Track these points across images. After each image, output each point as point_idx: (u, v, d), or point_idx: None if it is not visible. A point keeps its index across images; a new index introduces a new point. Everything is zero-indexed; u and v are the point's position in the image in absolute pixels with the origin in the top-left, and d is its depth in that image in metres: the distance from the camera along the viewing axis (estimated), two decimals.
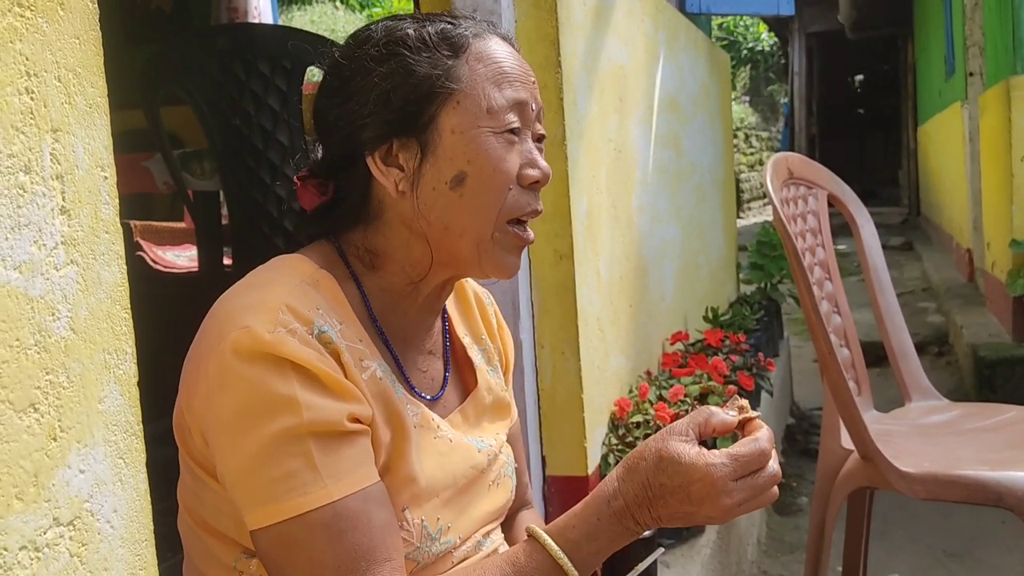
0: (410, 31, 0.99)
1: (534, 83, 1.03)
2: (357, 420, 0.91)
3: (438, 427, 1.03)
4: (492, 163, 0.97)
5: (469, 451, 1.06)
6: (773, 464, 0.92)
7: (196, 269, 3.02)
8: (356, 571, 0.87)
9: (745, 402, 0.97)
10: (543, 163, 1.02)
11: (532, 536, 0.94)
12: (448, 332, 1.14)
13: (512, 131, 0.99)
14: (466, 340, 1.16)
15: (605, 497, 0.93)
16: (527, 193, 1.01)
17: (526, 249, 2.05)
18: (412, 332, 1.07)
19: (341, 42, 1.08)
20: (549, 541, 0.92)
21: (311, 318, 0.91)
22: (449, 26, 1.01)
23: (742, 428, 0.95)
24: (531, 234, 1.03)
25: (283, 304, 0.91)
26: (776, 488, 0.93)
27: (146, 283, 3.16)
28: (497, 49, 1.01)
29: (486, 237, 0.99)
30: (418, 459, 0.98)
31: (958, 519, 3.05)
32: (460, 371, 1.15)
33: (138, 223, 3.41)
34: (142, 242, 3.36)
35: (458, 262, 1.01)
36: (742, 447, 0.90)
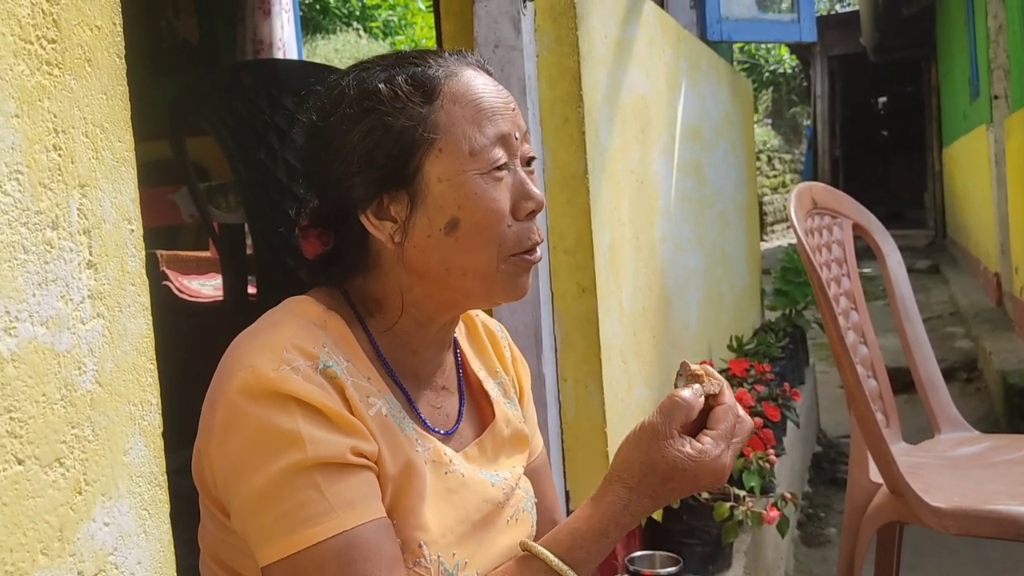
0: (380, 85, 0.98)
1: (514, 110, 1.02)
2: (361, 455, 0.92)
3: (450, 461, 1.03)
4: (483, 204, 0.97)
5: (482, 485, 1.06)
6: (742, 414, 1.01)
7: (221, 298, 3.04)
8: None
9: (697, 368, 1.02)
10: (536, 191, 1.01)
11: (534, 555, 0.95)
12: (462, 367, 1.15)
13: (499, 168, 0.98)
14: (481, 374, 1.17)
15: (613, 516, 0.96)
16: (525, 225, 1.00)
17: (548, 282, 2.06)
18: (423, 369, 1.07)
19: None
20: (561, 564, 0.94)
21: (316, 354, 0.93)
22: (418, 69, 0.99)
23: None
24: (538, 254, 1.03)
25: (288, 343, 0.92)
26: (749, 420, 1.03)
27: (171, 312, 3.18)
28: (471, 84, 0.99)
29: (492, 271, 0.99)
30: (427, 495, 0.98)
31: (990, 551, 2.99)
32: (477, 405, 1.15)
33: (164, 252, 3.44)
34: (168, 271, 3.40)
35: (466, 298, 1.02)
36: (722, 422, 0.98)
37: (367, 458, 0.93)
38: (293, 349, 0.91)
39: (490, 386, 1.16)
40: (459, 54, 1.04)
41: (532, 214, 1.01)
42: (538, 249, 1.03)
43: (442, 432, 1.06)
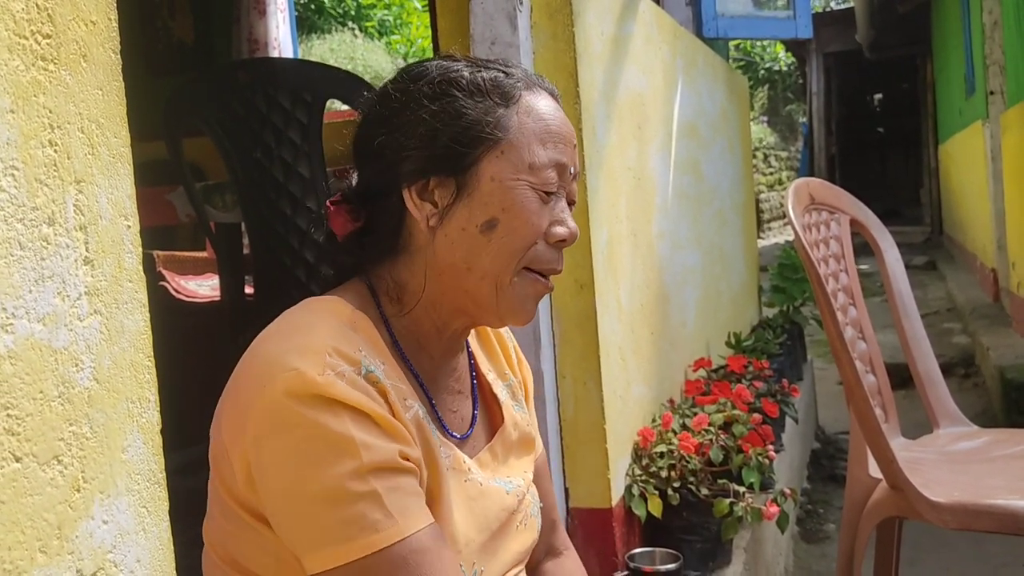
0: (465, 73, 1.01)
1: (575, 147, 1.05)
2: (407, 459, 0.92)
3: (468, 469, 1.03)
4: (524, 215, 0.98)
5: (499, 494, 1.06)
6: None
7: (218, 298, 3.04)
8: None
9: None
10: (572, 223, 1.03)
11: None
12: (474, 370, 1.15)
13: (548, 191, 1.00)
14: (490, 376, 1.17)
15: None
16: (551, 250, 1.01)
17: None
18: (440, 373, 1.07)
19: (360, 73, 1.09)
20: None
21: (358, 359, 0.92)
22: (502, 75, 1.02)
23: None
24: (551, 284, 1.04)
25: (329, 347, 0.91)
26: None
27: (168, 313, 3.17)
28: (546, 106, 1.02)
29: (505, 282, 0.99)
30: (452, 503, 0.98)
31: (989, 546, 3.00)
32: (488, 408, 1.15)
33: (160, 253, 3.43)
34: (164, 272, 3.39)
35: (476, 306, 1.02)
36: None
37: (411, 462, 0.92)
38: (335, 353, 0.90)
39: (499, 388, 1.17)
40: (539, 76, 1.07)
41: (562, 242, 1.02)
42: (551, 281, 1.04)
43: (458, 436, 1.06)
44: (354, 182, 1.07)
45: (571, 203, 1.05)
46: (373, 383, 0.92)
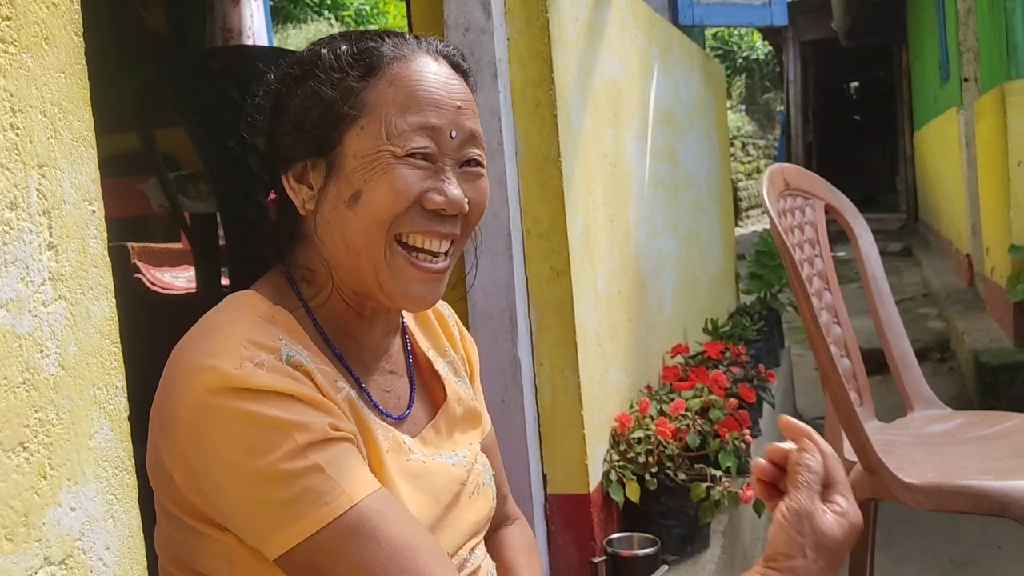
0: (324, 51, 1.00)
1: (459, 108, 0.99)
2: (338, 431, 0.91)
3: (409, 449, 1.03)
4: (387, 181, 0.95)
5: (445, 468, 1.06)
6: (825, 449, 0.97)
7: (194, 290, 3.01)
8: (404, 562, 0.86)
9: (788, 446, 0.97)
10: (453, 191, 0.97)
11: None
12: (411, 348, 1.14)
13: (417, 155, 0.96)
14: (430, 354, 1.16)
15: None
16: (427, 216, 0.97)
17: (522, 265, 2.05)
18: (369, 356, 1.07)
19: None
20: None
21: (277, 347, 0.91)
22: (372, 45, 0.99)
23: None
24: (437, 265, 0.99)
25: (244, 340, 0.90)
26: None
27: (144, 305, 3.15)
28: (417, 72, 0.98)
29: (379, 257, 0.97)
30: (396, 484, 0.98)
31: (965, 527, 3.03)
32: (427, 386, 1.15)
33: (135, 245, 3.40)
34: (140, 264, 3.36)
35: (366, 287, 1.00)
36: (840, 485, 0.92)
37: (346, 433, 0.92)
38: (251, 345, 0.90)
39: (440, 365, 1.16)
40: (428, 42, 1.02)
41: (441, 211, 0.97)
42: (440, 261, 0.99)
43: (395, 416, 1.06)
44: None
45: (468, 163, 1.00)
46: (296, 366, 0.91)
